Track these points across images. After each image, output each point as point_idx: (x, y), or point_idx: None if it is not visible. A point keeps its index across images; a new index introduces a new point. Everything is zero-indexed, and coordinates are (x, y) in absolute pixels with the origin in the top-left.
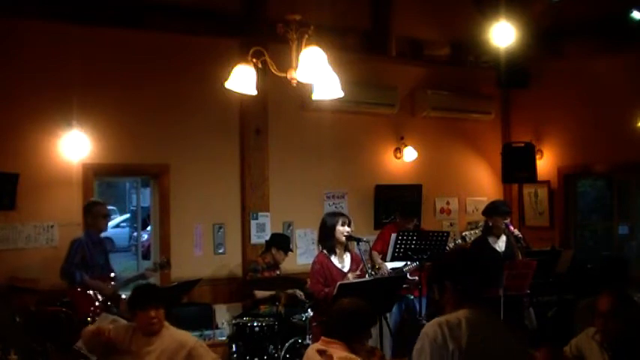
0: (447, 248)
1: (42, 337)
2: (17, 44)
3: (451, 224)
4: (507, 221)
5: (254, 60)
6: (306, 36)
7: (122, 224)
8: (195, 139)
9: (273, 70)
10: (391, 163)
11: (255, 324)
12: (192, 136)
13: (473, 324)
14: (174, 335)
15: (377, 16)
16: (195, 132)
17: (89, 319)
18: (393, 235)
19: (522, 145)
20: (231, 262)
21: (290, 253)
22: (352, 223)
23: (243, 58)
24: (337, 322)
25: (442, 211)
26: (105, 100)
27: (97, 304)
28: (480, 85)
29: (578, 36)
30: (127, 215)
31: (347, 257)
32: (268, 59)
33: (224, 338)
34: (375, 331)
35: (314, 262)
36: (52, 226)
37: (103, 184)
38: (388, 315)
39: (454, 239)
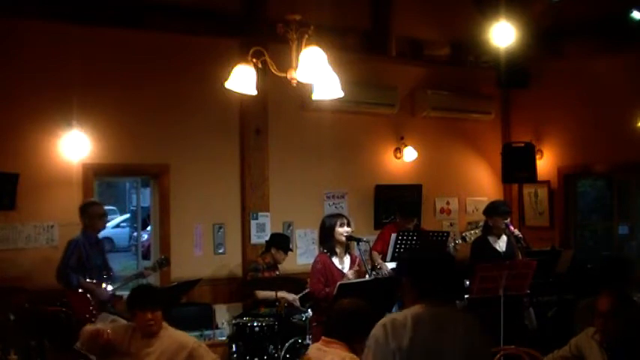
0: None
1: (38, 334)
2: (17, 44)
3: (451, 224)
4: (507, 221)
5: (254, 60)
6: (306, 36)
7: (122, 224)
8: (195, 139)
9: (273, 70)
10: (391, 163)
11: (255, 324)
12: (192, 136)
13: (419, 322)
14: (173, 336)
15: (377, 16)
16: (195, 132)
17: (88, 318)
18: (393, 235)
19: (522, 145)
20: (231, 262)
21: (290, 253)
22: (352, 224)
23: (243, 58)
24: (337, 322)
25: (442, 211)
26: (105, 100)
27: (94, 303)
28: (480, 85)
29: (578, 36)
30: (127, 215)
31: (347, 259)
32: (268, 59)
33: (224, 338)
34: None
35: (315, 262)
36: (52, 226)
37: (103, 184)
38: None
39: (454, 239)
